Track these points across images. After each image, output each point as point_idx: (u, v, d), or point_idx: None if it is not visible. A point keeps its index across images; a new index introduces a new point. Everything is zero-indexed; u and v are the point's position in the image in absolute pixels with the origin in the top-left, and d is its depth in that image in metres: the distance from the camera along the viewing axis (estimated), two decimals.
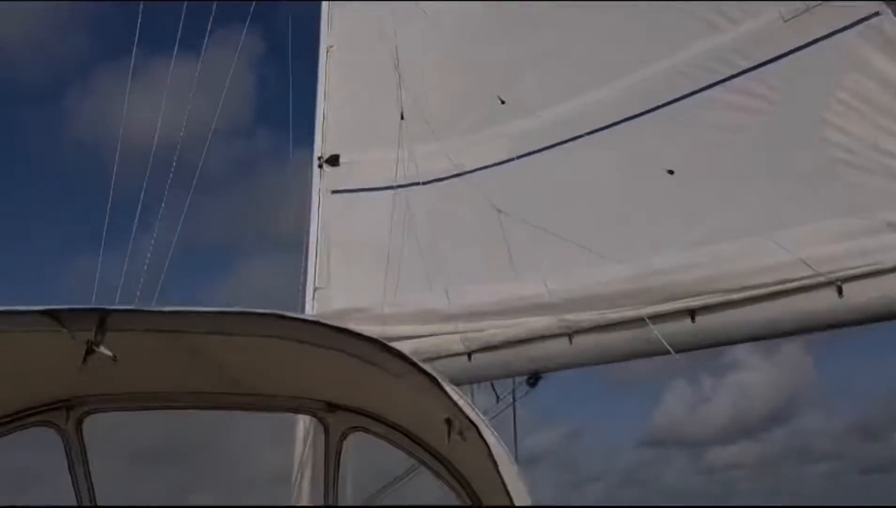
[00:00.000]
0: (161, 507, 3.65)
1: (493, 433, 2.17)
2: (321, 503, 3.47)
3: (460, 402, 2.11)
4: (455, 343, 4.43)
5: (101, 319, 1.95)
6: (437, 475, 3.04)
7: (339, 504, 3.40)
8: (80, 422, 3.16)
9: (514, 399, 4.61)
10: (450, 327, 4.46)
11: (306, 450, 3.78)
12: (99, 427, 3.19)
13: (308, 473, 3.76)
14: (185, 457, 3.81)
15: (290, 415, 3.67)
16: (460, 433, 2.29)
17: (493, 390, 4.65)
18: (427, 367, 2.14)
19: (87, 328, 1.95)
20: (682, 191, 4.32)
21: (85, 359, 1.97)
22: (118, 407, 3.30)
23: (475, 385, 4.61)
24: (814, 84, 4.15)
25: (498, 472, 2.00)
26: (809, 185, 4.00)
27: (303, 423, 3.83)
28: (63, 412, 3.12)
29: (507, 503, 1.98)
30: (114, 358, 1.94)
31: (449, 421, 2.34)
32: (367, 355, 2.24)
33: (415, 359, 2.14)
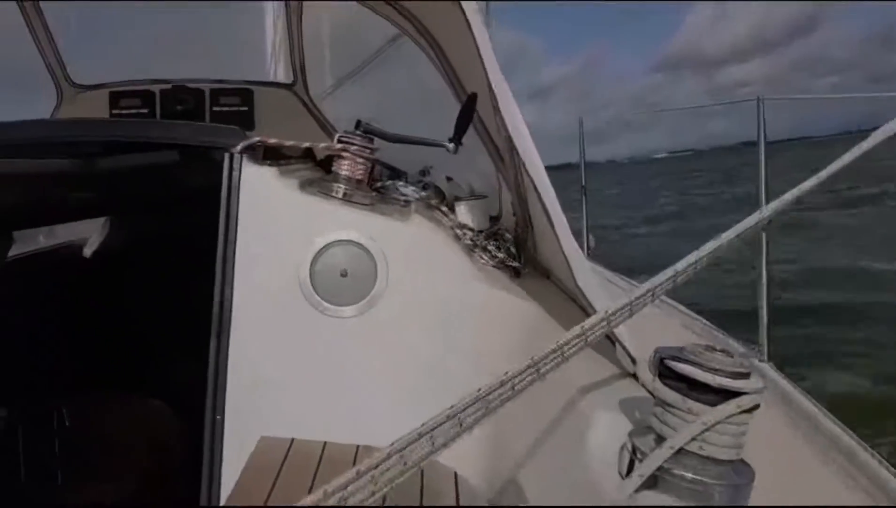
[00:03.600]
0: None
1: None
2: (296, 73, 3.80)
3: None
4: None
5: None
6: (414, 41, 3.26)
7: (307, 73, 3.69)
8: None
9: None
10: None
11: (277, 33, 4.10)
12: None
13: (282, 50, 4.13)
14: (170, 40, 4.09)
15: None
16: None
17: None
18: None
19: None
20: None
21: None
22: None
23: None
24: None
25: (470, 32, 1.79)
26: None
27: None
28: None
29: (478, 63, 1.78)
30: None
31: None
32: None
33: None
